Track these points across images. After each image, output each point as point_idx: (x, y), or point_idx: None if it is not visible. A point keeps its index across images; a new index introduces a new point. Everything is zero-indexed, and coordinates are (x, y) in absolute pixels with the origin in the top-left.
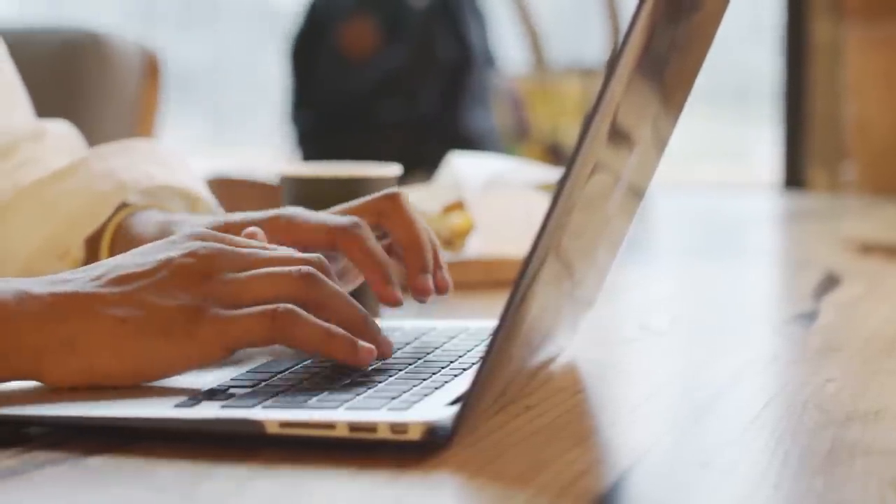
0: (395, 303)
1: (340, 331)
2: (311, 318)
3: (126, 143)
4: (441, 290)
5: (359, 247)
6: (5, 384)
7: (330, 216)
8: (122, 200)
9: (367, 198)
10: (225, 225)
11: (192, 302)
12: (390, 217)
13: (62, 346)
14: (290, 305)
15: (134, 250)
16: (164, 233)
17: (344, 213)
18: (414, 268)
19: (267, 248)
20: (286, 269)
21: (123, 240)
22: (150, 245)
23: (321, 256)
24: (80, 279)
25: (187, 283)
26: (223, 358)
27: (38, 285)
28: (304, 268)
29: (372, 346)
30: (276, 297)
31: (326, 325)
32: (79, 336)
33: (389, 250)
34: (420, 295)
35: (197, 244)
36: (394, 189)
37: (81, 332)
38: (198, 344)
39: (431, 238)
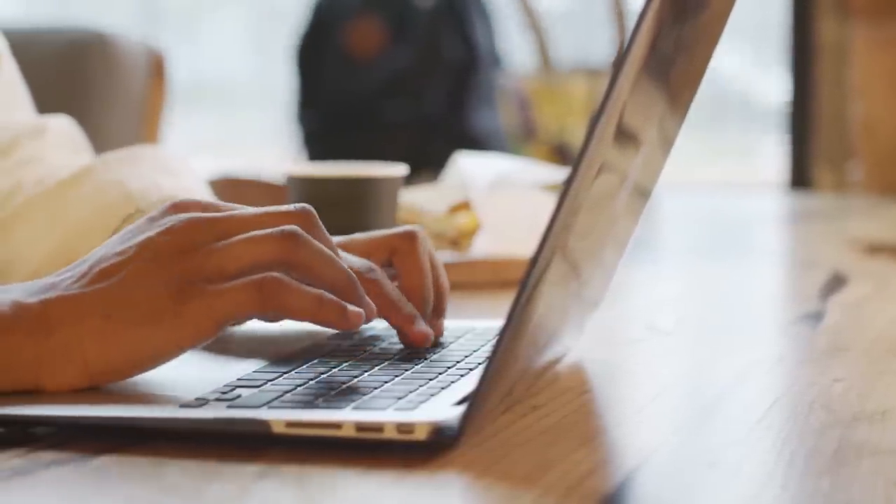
0: (425, 341)
1: (329, 296)
2: (300, 285)
3: (132, 150)
4: (435, 335)
5: (376, 293)
6: None
7: (344, 255)
8: (130, 212)
9: (384, 232)
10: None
11: (175, 282)
12: (402, 258)
13: (57, 354)
14: (276, 274)
15: (118, 235)
16: None
17: (360, 245)
18: None
19: (251, 209)
20: (268, 231)
21: None
22: (132, 226)
23: (307, 208)
24: (66, 280)
25: (168, 262)
26: (216, 334)
27: (30, 294)
28: (288, 227)
29: (360, 311)
30: (260, 261)
31: (315, 291)
32: (70, 341)
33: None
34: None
35: (175, 217)
36: (411, 227)
37: (72, 337)
38: (187, 324)
39: (441, 282)
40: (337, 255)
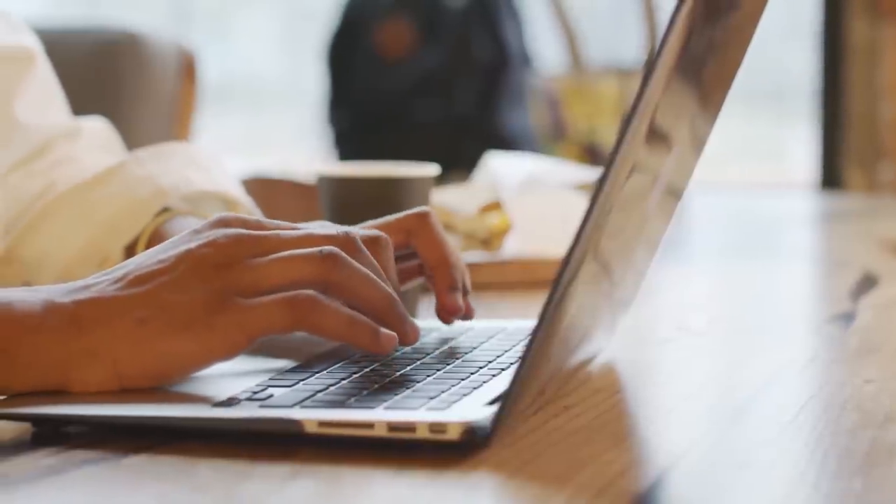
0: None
1: (362, 318)
2: (333, 304)
3: (163, 146)
4: (468, 314)
5: (376, 257)
6: None
7: (354, 229)
8: (161, 207)
9: (398, 216)
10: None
11: (210, 294)
12: (419, 236)
13: (86, 355)
14: (310, 292)
15: (160, 245)
16: None
17: (372, 228)
18: (443, 285)
19: (294, 229)
20: (307, 250)
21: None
22: (175, 237)
23: (350, 233)
24: (103, 283)
25: (206, 274)
26: (246, 348)
27: (63, 294)
28: (326, 248)
29: (393, 334)
30: (297, 280)
31: (348, 311)
32: (101, 344)
33: (418, 271)
34: (449, 313)
35: (218, 232)
36: (423, 208)
37: (103, 339)
38: (218, 336)
39: (460, 261)
40: (381, 277)
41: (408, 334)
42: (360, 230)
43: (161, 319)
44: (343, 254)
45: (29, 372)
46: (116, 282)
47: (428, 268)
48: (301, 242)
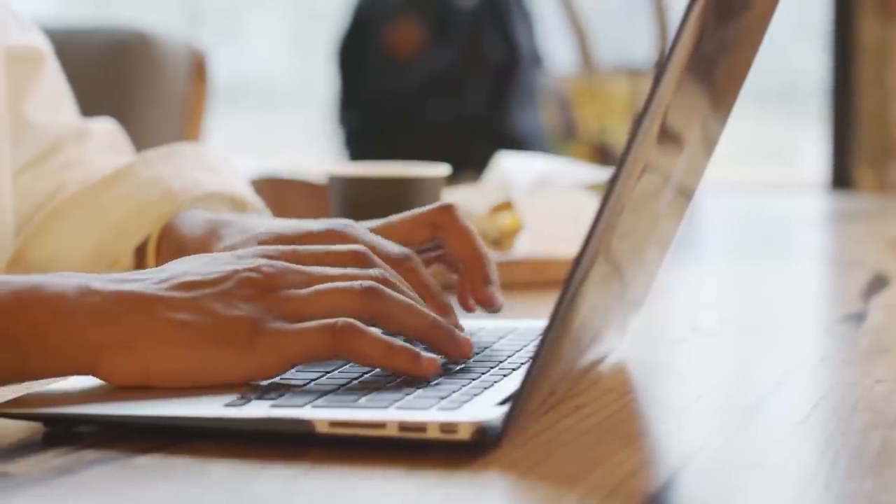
0: (460, 340)
1: (400, 343)
2: (372, 331)
3: (173, 148)
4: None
5: (413, 281)
6: (57, 382)
7: (382, 242)
8: (171, 209)
9: (422, 210)
10: (277, 237)
11: (254, 314)
12: (446, 230)
13: (120, 345)
14: (350, 319)
15: (200, 257)
16: (211, 233)
17: (400, 227)
18: (478, 279)
19: (323, 247)
20: (348, 283)
21: (169, 239)
22: (217, 254)
23: (383, 271)
24: (146, 280)
25: (251, 295)
26: (284, 371)
27: (102, 281)
28: (366, 282)
29: (434, 357)
30: (338, 311)
31: (387, 338)
32: (138, 337)
33: (442, 259)
34: (484, 306)
35: (262, 260)
36: (447, 201)
37: (141, 333)
38: (258, 356)
39: (489, 254)
40: (415, 306)
41: (462, 348)
42: (390, 246)
43: (203, 327)
44: (381, 287)
45: (60, 357)
46: (160, 282)
47: (458, 261)
48: (341, 277)
